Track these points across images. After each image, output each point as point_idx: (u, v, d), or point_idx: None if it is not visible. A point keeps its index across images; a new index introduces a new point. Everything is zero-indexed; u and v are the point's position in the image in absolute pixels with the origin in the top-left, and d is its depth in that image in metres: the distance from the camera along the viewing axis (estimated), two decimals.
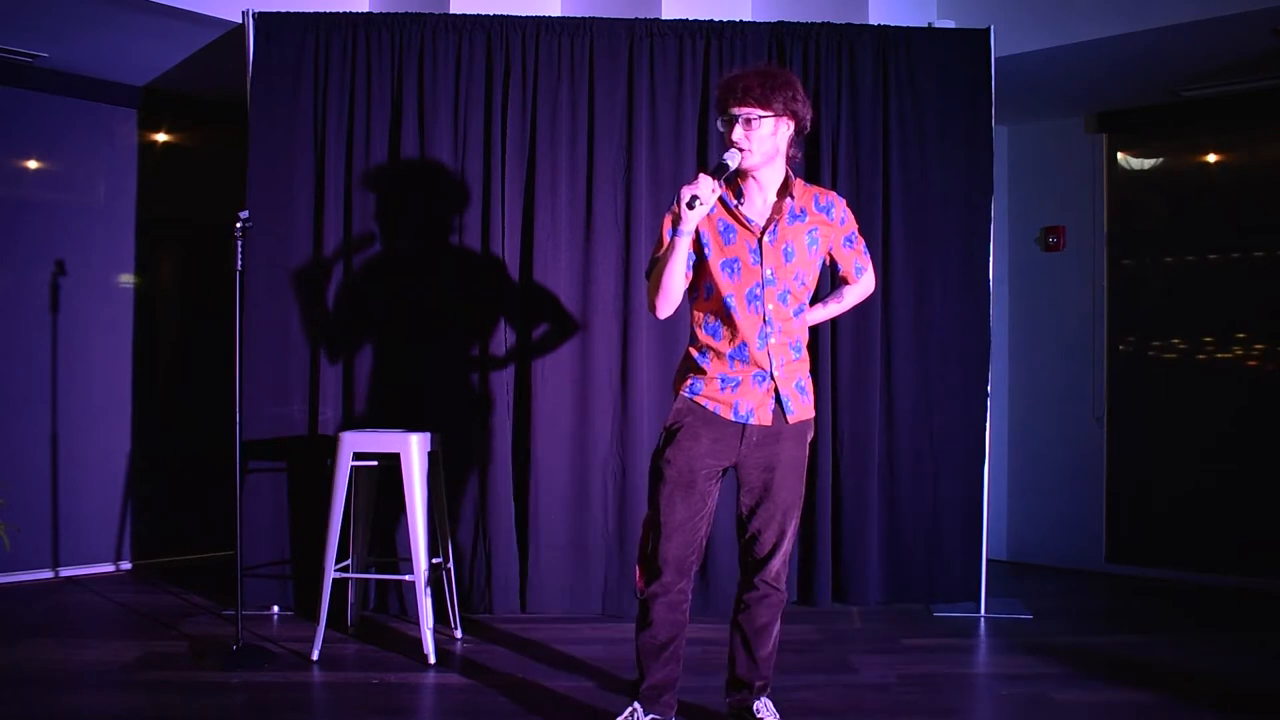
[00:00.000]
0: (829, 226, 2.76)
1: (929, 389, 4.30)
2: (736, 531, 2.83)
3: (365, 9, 4.42)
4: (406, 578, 3.65)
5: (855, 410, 4.26)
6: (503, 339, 4.14)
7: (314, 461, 4.08)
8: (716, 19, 4.25)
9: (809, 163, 4.27)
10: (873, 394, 4.26)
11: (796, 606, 4.30)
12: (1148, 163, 5.27)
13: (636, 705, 2.74)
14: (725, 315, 2.67)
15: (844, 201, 2.81)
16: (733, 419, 2.67)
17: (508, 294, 4.15)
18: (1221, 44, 4.24)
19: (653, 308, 2.69)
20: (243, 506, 3.71)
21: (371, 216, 4.14)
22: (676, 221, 2.56)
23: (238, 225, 3.49)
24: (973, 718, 3.13)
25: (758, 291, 2.66)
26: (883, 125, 4.29)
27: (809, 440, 2.79)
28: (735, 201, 2.69)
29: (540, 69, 4.16)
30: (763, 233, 2.66)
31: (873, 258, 4.20)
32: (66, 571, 4.80)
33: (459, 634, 3.80)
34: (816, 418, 4.16)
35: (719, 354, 2.68)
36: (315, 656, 3.48)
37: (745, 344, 2.67)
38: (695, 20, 4.23)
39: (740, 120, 2.62)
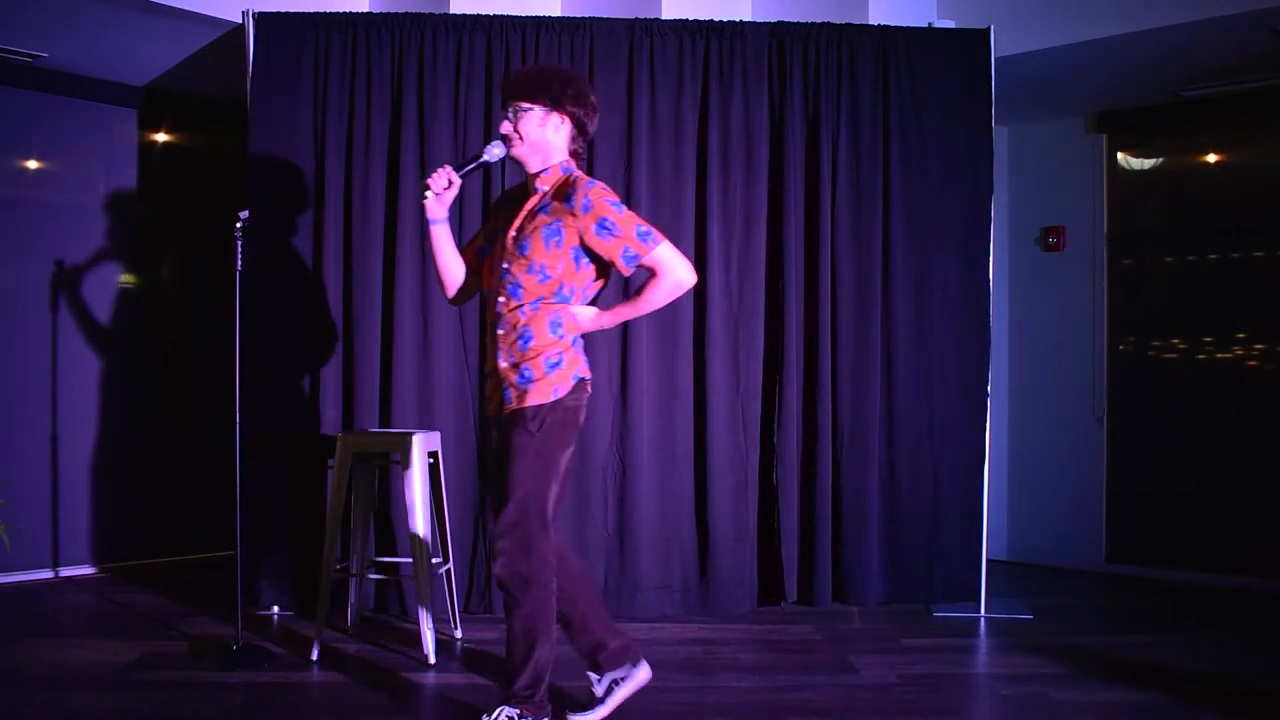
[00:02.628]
0: (571, 216, 2.69)
1: (929, 389, 4.30)
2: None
3: (365, 9, 4.42)
4: (406, 577, 3.65)
5: (855, 410, 4.26)
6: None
7: (314, 461, 4.08)
8: (716, 19, 4.25)
9: (809, 162, 4.27)
10: (873, 394, 4.26)
11: (796, 606, 4.31)
12: (1148, 163, 5.27)
13: (510, 706, 2.68)
14: (483, 313, 2.87)
15: (596, 187, 2.69)
16: (488, 412, 2.86)
17: None
18: (1221, 44, 4.24)
19: (443, 292, 2.94)
20: (243, 506, 3.71)
21: (371, 216, 4.13)
22: None
23: (238, 225, 3.49)
24: (973, 718, 3.13)
25: (497, 285, 2.79)
26: (883, 125, 4.29)
27: (542, 427, 2.69)
28: (515, 201, 2.85)
29: None
30: (509, 228, 2.79)
31: (873, 258, 4.27)
32: (66, 571, 4.80)
33: (459, 634, 3.80)
34: (816, 416, 4.24)
35: (485, 348, 2.88)
36: (315, 656, 3.48)
37: (486, 339, 2.84)
38: (695, 20, 4.23)
39: (509, 112, 2.74)
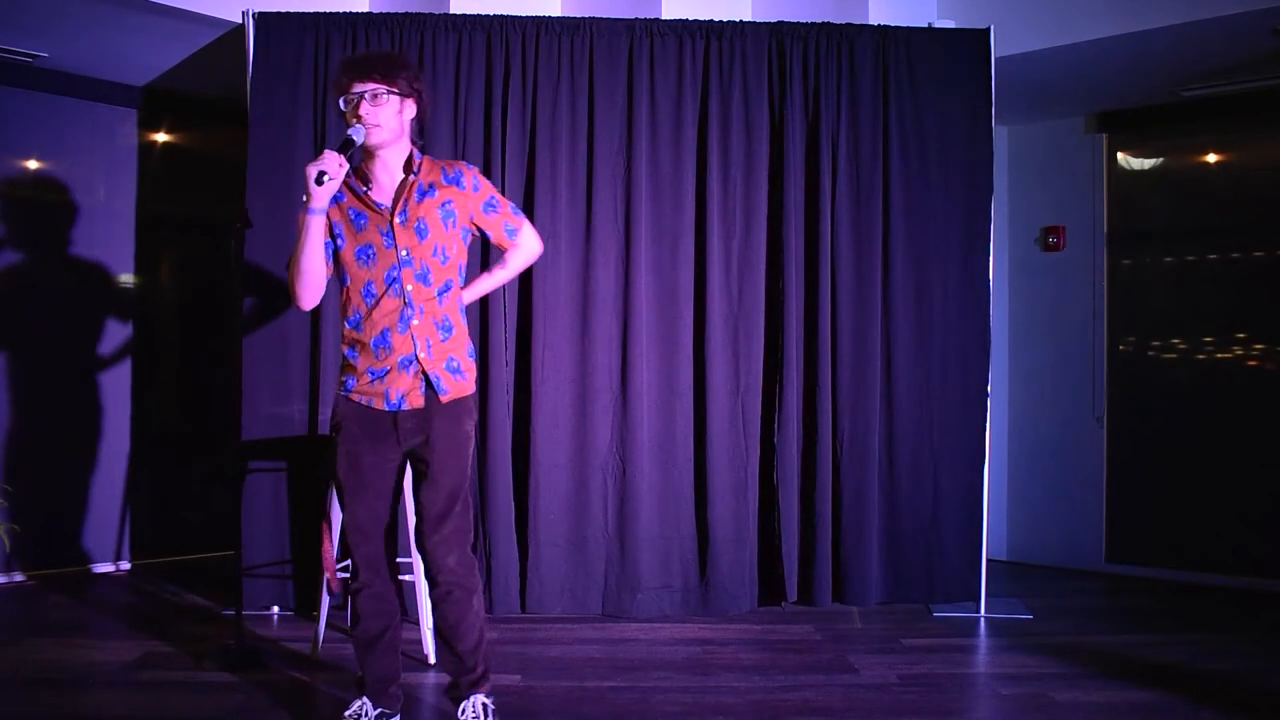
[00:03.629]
0: (463, 196, 2.73)
1: (929, 389, 4.30)
2: (414, 526, 2.84)
3: (365, 9, 4.42)
4: (406, 578, 3.65)
5: (855, 410, 4.26)
6: (502, 339, 4.14)
7: (314, 461, 4.08)
8: (716, 19, 4.25)
9: (809, 162, 4.27)
10: (873, 394, 4.26)
11: (796, 606, 4.31)
12: (1148, 163, 5.27)
13: (365, 700, 2.80)
14: (365, 305, 2.68)
15: (475, 169, 2.79)
16: (385, 408, 2.68)
17: (507, 293, 4.15)
18: (1221, 44, 4.24)
19: (296, 299, 2.67)
20: (243, 506, 3.71)
21: None
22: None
23: (238, 225, 3.49)
24: (973, 718, 3.13)
25: (395, 274, 2.65)
26: (883, 125, 4.29)
27: (471, 419, 2.76)
28: (364, 188, 2.69)
29: (540, 69, 4.16)
30: (393, 214, 2.66)
31: (873, 258, 4.27)
32: (67, 571, 4.80)
33: None
34: (816, 416, 4.25)
35: (364, 346, 2.69)
36: (315, 656, 3.48)
37: (388, 330, 2.66)
38: (695, 20, 4.23)
39: (366, 96, 2.62)
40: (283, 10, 4.13)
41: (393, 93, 2.63)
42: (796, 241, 4.25)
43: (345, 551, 3.79)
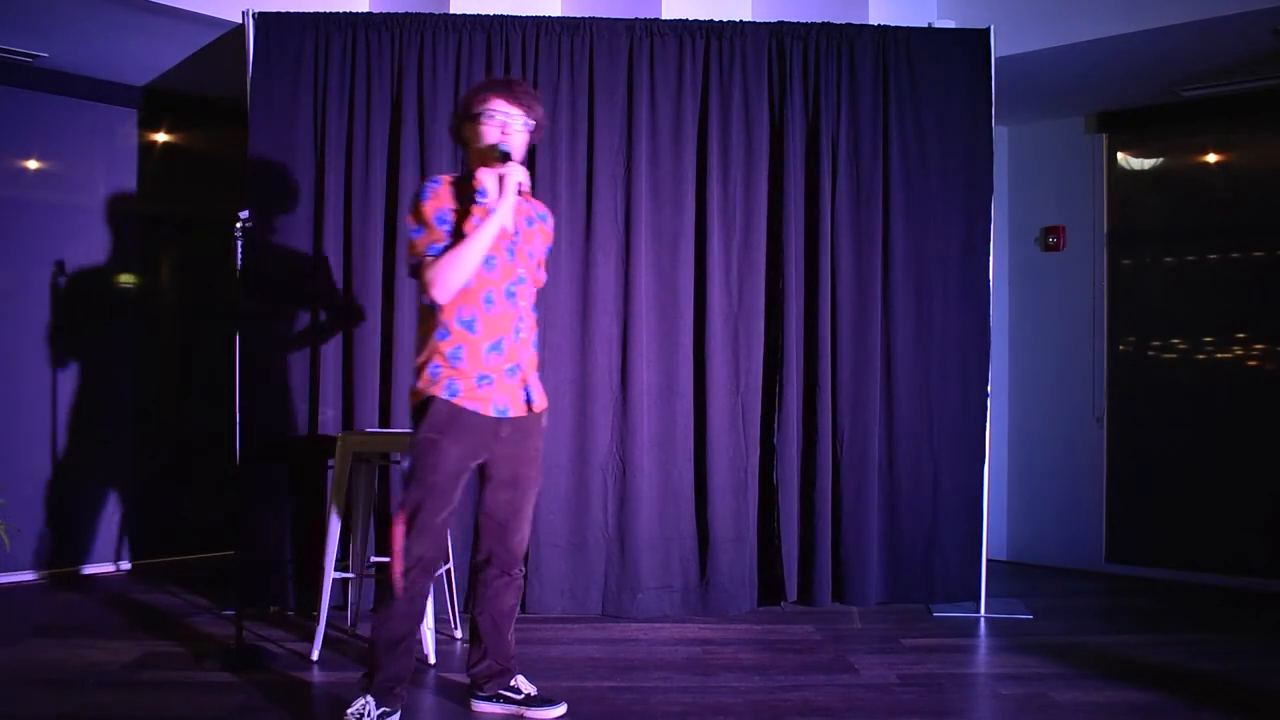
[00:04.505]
0: (547, 236, 3.02)
1: (929, 389, 4.30)
2: (478, 525, 2.96)
3: (365, 9, 4.42)
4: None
5: (855, 410, 4.26)
6: None
7: (314, 461, 4.08)
8: (716, 19, 4.25)
9: (809, 162, 4.27)
10: (873, 394, 4.26)
11: (796, 606, 4.31)
12: (1148, 163, 5.27)
13: (369, 698, 2.81)
14: (482, 310, 2.77)
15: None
16: (492, 414, 2.78)
17: None
18: (1221, 44, 4.24)
19: (443, 293, 2.70)
20: (243, 506, 3.71)
21: (371, 216, 4.13)
22: (442, 215, 2.72)
23: (238, 225, 3.49)
24: (973, 718, 3.13)
25: (514, 289, 2.83)
26: (883, 125, 4.29)
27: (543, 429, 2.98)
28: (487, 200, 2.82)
29: (540, 69, 4.16)
30: (514, 232, 2.83)
31: (873, 258, 4.27)
32: (66, 571, 4.80)
33: (459, 634, 3.80)
34: (816, 416, 4.25)
35: (475, 351, 2.77)
36: (315, 656, 3.48)
37: (502, 339, 2.79)
38: (695, 20, 4.23)
39: (513, 120, 2.82)
40: (283, 10, 4.13)
41: (528, 125, 2.86)
42: (796, 241, 4.25)
43: (345, 550, 3.80)
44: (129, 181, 5.07)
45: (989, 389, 4.30)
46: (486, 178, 2.79)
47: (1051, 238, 5.37)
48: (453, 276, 2.69)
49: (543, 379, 4.09)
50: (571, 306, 4.16)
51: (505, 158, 2.76)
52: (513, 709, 3.01)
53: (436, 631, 3.58)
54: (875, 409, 4.26)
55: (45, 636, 3.78)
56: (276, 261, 4.11)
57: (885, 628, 4.03)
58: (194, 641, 3.70)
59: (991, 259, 4.31)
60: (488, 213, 2.73)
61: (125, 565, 4.99)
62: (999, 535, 5.38)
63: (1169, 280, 5.20)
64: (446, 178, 2.83)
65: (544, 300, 4.15)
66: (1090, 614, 4.41)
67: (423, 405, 2.77)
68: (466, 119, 2.86)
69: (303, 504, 4.10)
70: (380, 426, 4.10)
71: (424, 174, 4.11)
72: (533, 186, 4.14)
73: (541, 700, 3.02)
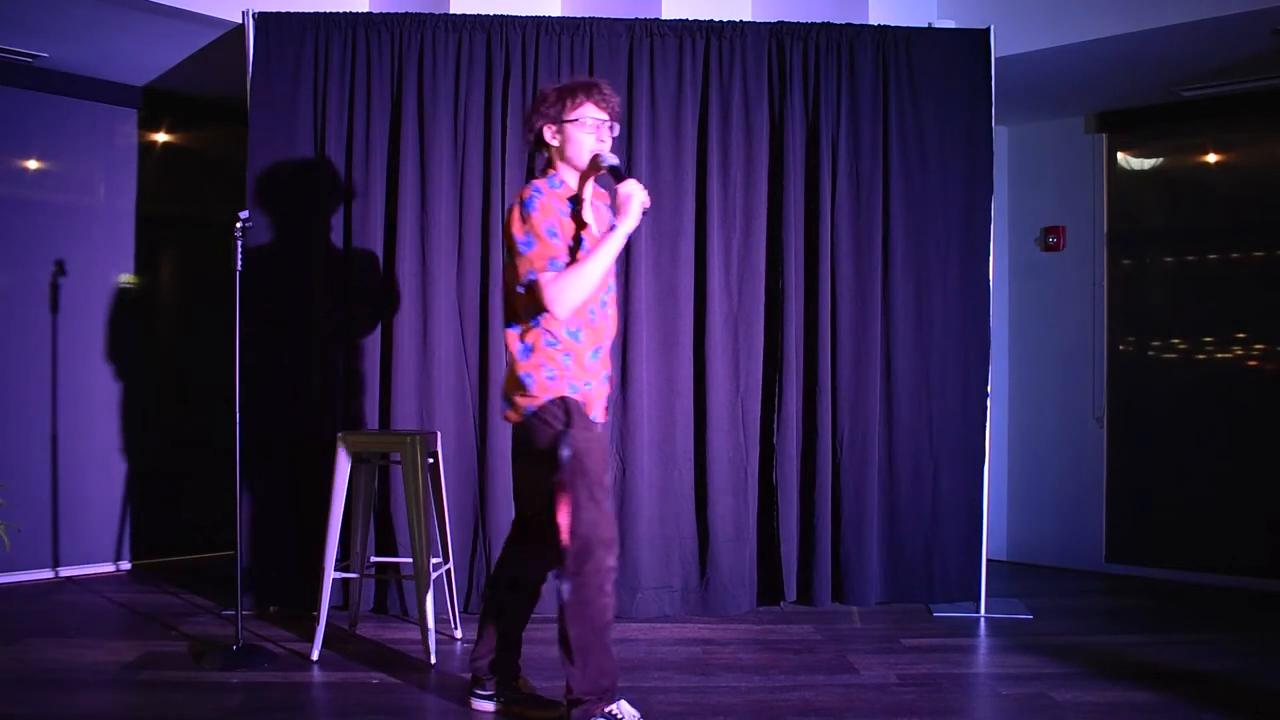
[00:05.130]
0: None
1: (929, 389, 4.30)
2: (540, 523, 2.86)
3: (365, 9, 4.42)
4: (407, 578, 3.65)
5: (855, 410, 4.25)
6: (502, 339, 4.13)
7: (314, 461, 4.07)
8: (716, 19, 4.25)
9: (809, 162, 4.27)
10: (873, 394, 4.26)
11: (796, 606, 4.30)
12: (1148, 163, 5.27)
13: (620, 702, 2.75)
14: (586, 320, 2.78)
15: None
16: (591, 419, 2.80)
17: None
18: (1221, 44, 4.24)
19: (571, 308, 2.67)
20: (243, 506, 3.71)
21: (371, 216, 4.13)
22: (559, 224, 2.70)
23: (238, 225, 3.49)
24: (973, 718, 3.13)
25: (606, 298, 2.84)
26: (883, 125, 4.29)
27: None
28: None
29: (540, 69, 4.16)
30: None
31: (873, 258, 4.27)
32: (66, 571, 4.80)
33: (459, 634, 3.80)
34: (816, 416, 4.25)
35: (579, 357, 2.78)
36: (315, 656, 3.48)
37: (600, 347, 2.82)
38: (695, 20, 4.23)
39: (606, 126, 2.79)
40: (283, 10, 4.13)
41: (613, 130, 2.83)
42: (796, 241, 4.25)
43: (345, 550, 3.79)
44: (129, 181, 5.07)
45: (989, 389, 4.30)
46: (589, 190, 2.80)
47: (1051, 238, 5.37)
48: (577, 295, 2.66)
49: None
50: None
51: (619, 175, 2.71)
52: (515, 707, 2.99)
53: (436, 631, 3.58)
54: (875, 409, 4.26)
55: (45, 636, 3.78)
56: (276, 261, 4.10)
57: (885, 628, 4.03)
58: (194, 641, 3.70)
59: (991, 259, 4.31)
60: (610, 230, 2.69)
61: (125, 565, 4.99)
62: (999, 535, 5.38)
63: (1169, 280, 5.20)
64: (544, 185, 2.76)
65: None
66: (1090, 614, 4.41)
67: (550, 407, 2.72)
68: (558, 123, 2.78)
69: (303, 504, 4.09)
70: (380, 426, 4.10)
71: (424, 174, 4.11)
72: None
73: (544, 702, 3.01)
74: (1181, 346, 5.11)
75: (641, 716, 2.76)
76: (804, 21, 4.28)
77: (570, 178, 2.82)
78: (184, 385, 5.25)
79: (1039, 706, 3.13)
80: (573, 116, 2.76)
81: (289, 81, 4.12)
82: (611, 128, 2.81)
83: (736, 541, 4.20)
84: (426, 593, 3.48)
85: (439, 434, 3.81)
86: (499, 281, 4.12)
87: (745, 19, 4.39)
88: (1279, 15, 3.92)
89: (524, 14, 4.20)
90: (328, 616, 3.55)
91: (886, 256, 4.29)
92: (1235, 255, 5.02)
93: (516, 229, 2.70)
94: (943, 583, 4.31)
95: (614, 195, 2.75)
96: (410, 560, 3.61)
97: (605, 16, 4.23)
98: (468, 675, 3.37)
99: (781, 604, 4.30)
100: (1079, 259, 5.31)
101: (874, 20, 4.37)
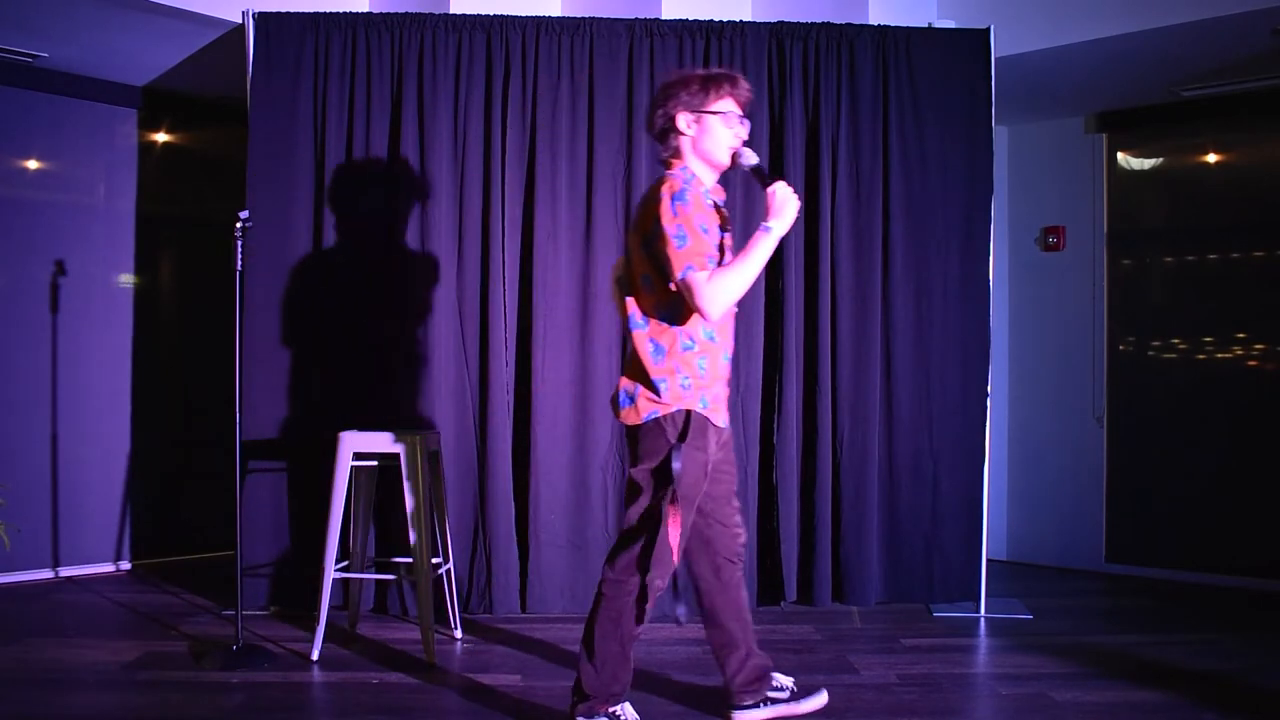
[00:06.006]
0: None
1: (929, 389, 4.30)
2: (698, 534, 2.82)
3: (365, 9, 4.42)
4: (406, 577, 3.65)
5: (855, 410, 4.25)
6: (502, 339, 4.14)
7: (314, 461, 4.07)
8: (716, 19, 4.25)
9: (809, 162, 4.27)
10: (872, 394, 4.26)
11: (796, 606, 4.30)
12: (1148, 163, 5.27)
13: (625, 704, 2.78)
14: (722, 325, 2.69)
15: None
16: (720, 425, 2.71)
17: (508, 294, 4.15)
18: (1221, 44, 4.24)
19: (719, 310, 2.52)
20: (243, 506, 3.71)
21: (371, 216, 4.13)
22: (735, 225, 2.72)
23: (238, 225, 3.49)
24: (973, 718, 3.13)
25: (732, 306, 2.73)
26: (883, 125, 4.29)
27: None
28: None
29: (540, 69, 4.16)
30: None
31: (873, 257, 4.27)
32: (66, 571, 4.80)
33: (459, 634, 3.80)
34: (816, 416, 4.25)
35: (714, 359, 2.68)
36: (315, 656, 3.48)
37: (728, 354, 2.74)
38: (695, 20, 4.23)
39: (743, 123, 2.68)
40: (283, 10, 4.13)
41: (747, 127, 2.70)
42: (796, 241, 4.25)
43: (345, 550, 3.79)
44: (129, 181, 5.07)
45: (989, 389, 4.30)
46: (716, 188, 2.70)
47: (1051, 238, 5.37)
48: (731, 296, 2.51)
49: (543, 379, 4.13)
50: (571, 306, 4.16)
51: (764, 176, 2.63)
52: (782, 709, 2.92)
53: (437, 631, 3.57)
54: (875, 409, 4.26)
55: (45, 636, 3.78)
56: (276, 261, 4.10)
57: (885, 628, 4.03)
58: (194, 641, 3.70)
59: (991, 259, 4.31)
60: (763, 230, 2.56)
61: (125, 565, 4.99)
62: (999, 535, 5.38)
63: (1169, 280, 5.20)
64: (691, 178, 2.62)
65: (544, 300, 4.16)
66: (1090, 614, 4.41)
67: (674, 418, 2.61)
68: (697, 111, 2.62)
69: (303, 504, 4.09)
70: (380, 426, 4.10)
71: (424, 174, 4.12)
72: (531, 186, 4.17)
73: (805, 691, 2.94)
74: (1181, 346, 5.11)
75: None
76: (804, 21, 4.28)
77: (701, 171, 2.66)
78: (184, 385, 5.25)
79: (1039, 706, 3.13)
80: (715, 107, 2.60)
81: (289, 81, 4.12)
82: (744, 122, 2.66)
83: None
84: (427, 593, 3.48)
85: (439, 434, 3.80)
86: (500, 280, 4.12)
87: (745, 19, 4.39)
88: (1279, 15, 3.92)
89: (524, 14, 4.20)
90: (328, 616, 3.55)
91: (886, 256, 4.29)
92: (1235, 255, 5.02)
93: (667, 221, 2.51)
94: (943, 583, 4.31)
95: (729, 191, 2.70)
96: (410, 560, 3.61)
97: (605, 16, 4.23)
98: (468, 675, 3.37)
99: (781, 604, 4.30)
100: (1079, 259, 5.31)
101: (874, 20, 4.37)
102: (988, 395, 4.29)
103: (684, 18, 4.27)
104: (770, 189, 2.60)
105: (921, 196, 4.30)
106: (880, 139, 4.29)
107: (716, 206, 2.68)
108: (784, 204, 2.59)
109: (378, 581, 4.10)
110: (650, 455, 2.62)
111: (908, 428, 4.30)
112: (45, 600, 4.37)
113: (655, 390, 2.62)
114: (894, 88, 4.28)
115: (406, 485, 3.52)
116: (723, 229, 2.68)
